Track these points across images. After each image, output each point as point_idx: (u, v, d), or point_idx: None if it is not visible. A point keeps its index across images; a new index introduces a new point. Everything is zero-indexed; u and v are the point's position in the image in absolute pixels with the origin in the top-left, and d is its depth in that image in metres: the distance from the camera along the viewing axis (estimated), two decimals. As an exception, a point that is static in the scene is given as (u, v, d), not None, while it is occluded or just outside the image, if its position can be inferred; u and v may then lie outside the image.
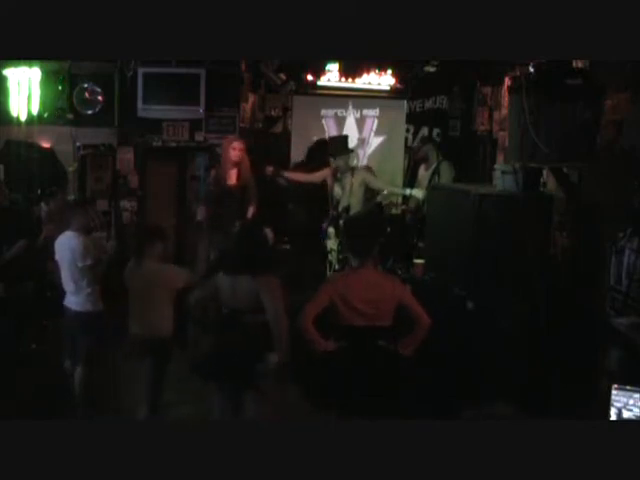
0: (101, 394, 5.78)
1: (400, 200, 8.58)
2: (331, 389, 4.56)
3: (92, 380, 5.64)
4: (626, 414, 3.68)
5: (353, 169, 7.75)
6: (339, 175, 7.70)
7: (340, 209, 7.58)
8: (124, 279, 5.22)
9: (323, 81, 9.02)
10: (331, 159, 7.85)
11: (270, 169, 7.90)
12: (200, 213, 7.48)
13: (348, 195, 7.52)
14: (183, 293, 5.00)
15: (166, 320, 5.09)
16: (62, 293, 5.71)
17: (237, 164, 7.35)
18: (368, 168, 8.18)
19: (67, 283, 5.61)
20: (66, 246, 5.56)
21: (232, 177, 7.38)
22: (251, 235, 4.72)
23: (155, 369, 5.11)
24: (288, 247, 8.08)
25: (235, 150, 7.31)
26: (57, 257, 5.66)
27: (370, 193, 7.81)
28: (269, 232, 5.98)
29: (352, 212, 7.41)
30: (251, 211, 7.34)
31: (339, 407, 4.56)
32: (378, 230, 5.41)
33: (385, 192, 7.90)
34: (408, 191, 7.84)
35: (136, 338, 5.13)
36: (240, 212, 7.20)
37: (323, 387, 4.67)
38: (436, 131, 9.50)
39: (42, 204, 7.54)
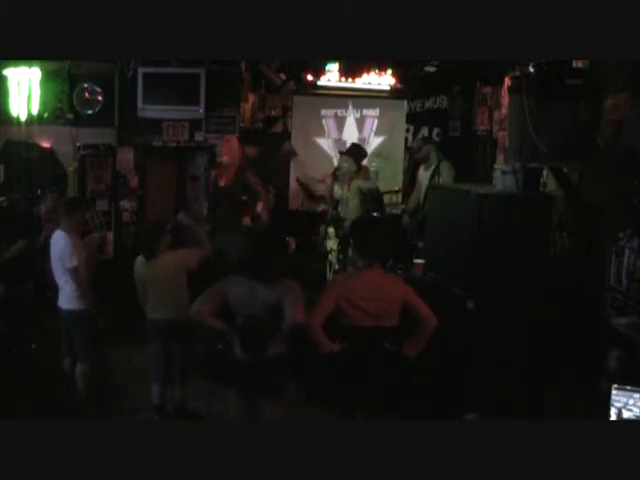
0: (102, 392, 5.78)
1: (400, 200, 8.57)
2: (336, 390, 4.56)
3: (92, 378, 5.65)
4: (626, 414, 3.68)
5: (352, 175, 7.72)
6: (339, 175, 7.68)
7: (340, 209, 7.56)
8: (135, 273, 5.51)
9: (323, 81, 9.03)
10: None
11: None
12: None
13: (346, 198, 7.50)
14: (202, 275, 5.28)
15: (183, 304, 5.24)
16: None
17: (229, 164, 7.30)
18: (364, 171, 8.16)
19: (58, 281, 5.65)
20: (56, 245, 5.60)
21: (224, 178, 7.37)
22: (270, 241, 4.63)
23: (172, 351, 5.54)
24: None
25: (226, 150, 7.28)
26: (51, 255, 5.69)
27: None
28: (291, 241, 5.97)
29: (349, 215, 7.35)
30: (260, 207, 7.30)
31: (343, 408, 4.57)
32: (389, 232, 5.39)
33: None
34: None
35: (154, 323, 5.51)
36: (236, 213, 7.18)
37: (328, 388, 4.67)
38: (436, 131, 9.51)
39: (42, 204, 7.54)
